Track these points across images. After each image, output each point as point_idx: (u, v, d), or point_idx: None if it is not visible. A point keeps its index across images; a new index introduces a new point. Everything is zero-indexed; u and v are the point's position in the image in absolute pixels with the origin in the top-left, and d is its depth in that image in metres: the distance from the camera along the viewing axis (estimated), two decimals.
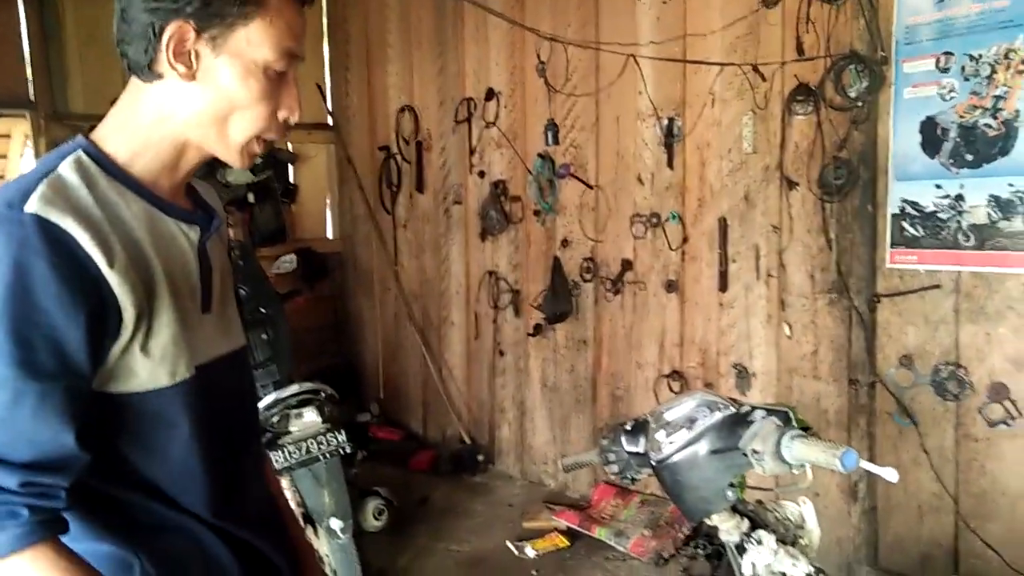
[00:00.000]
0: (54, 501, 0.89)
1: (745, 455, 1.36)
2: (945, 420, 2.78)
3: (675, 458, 1.47)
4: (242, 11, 0.95)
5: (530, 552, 3.45)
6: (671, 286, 3.53)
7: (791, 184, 3.06)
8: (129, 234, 0.96)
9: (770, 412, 1.38)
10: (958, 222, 2.64)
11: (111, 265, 0.91)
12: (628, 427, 1.61)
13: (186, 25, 0.95)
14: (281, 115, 1.03)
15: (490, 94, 4.19)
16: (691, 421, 1.49)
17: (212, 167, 4.63)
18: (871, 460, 2.91)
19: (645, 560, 3.32)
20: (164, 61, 0.96)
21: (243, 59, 0.97)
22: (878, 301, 2.89)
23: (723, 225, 3.29)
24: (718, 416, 1.45)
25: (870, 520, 3.02)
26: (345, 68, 5.21)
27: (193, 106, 0.98)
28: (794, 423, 1.34)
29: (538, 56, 3.86)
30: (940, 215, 2.67)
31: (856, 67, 2.79)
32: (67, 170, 0.95)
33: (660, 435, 1.51)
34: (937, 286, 2.73)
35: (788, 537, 1.51)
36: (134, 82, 1.01)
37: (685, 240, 3.46)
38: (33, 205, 0.89)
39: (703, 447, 1.44)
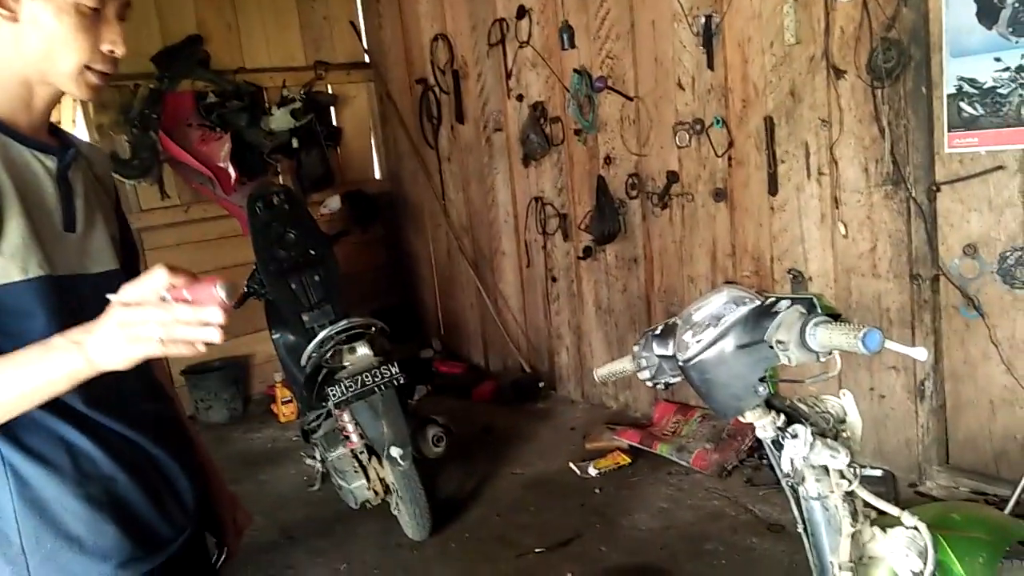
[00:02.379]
0: None
1: (771, 347, 1.31)
2: (1015, 309, 2.63)
3: (702, 356, 1.42)
4: None
5: (592, 471, 3.47)
6: (719, 194, 3.41)
7: (838, 73, 2.87)
8: None
9: (795, 301, 1.32)
10: (1021, 96, 2.43)
11: None
12: (657, 331, 1.57)
13: None
14: (104, 47, 1.13)
15: (521, 12, 4.06)
16: (717, 319, 1.44)
17: (255, 117, 4.68)
18: (937, 357, 2.80)
19: (708, 473, 3.31)
20: None
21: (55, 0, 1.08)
22: (937, 190, 2.72)
23: (769, 124, 3.14)
24: (744, 310, 1.39)
25: (939, 419, 2.91)
26: (376, 1, 5.13)
27: (22, 45, 1.10)
28: (819, 310, 1.28)
29: None
30: (1000, 90, 2.47)
31: None
32: None
33: (687, 335, 1.46)
34: (1001, 167, 2.55)
35: (829, 431, 1.46)
36: None
37: (731, 145, 3.32)
38: None
39: (729, 343, 1.39)
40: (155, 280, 0.92)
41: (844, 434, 1.48)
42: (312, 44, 5.11)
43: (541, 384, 4.50)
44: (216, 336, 0.92)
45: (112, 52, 1.13)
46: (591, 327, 4.21)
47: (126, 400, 1.18)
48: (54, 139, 1.21)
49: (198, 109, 4.58)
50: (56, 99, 1.18)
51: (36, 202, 1.11)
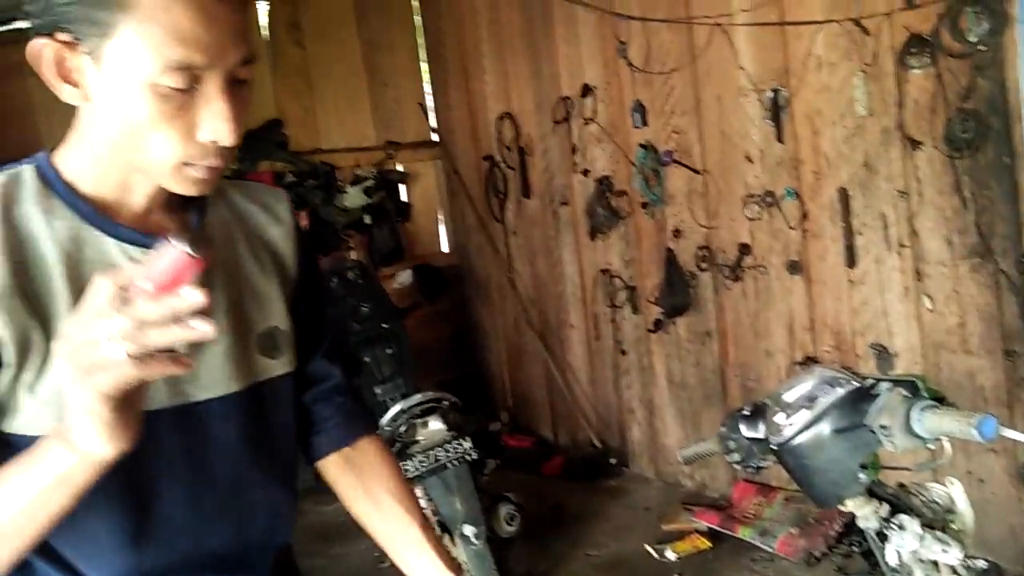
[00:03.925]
0: None
1: (873, 432, 1.26)
2: None
3: (796, 440, 1.37)
4: (108, 16, 0.77)
5: (671, 555, 3.35)
6: (794, 267, 3.35)
7: (915, 144, 2.83)
8: (29, 254, 0.84)
9: (896, 383, 1.27)
10: None
11: None
12: (746, 412, 1.52)
13: (60, 36, 0.80)
14: (203, 137, 0.82)
15: (586, 90, 4.14)
16: (811, 400, 1.39)
17: (330, 195, 4.86)
18: None
19: (795, 560, 3.15)
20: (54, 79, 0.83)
21: (122, 76, 0.79)
22: None
23: (844, 196, 3.09)
24: (840, 392, 1.35)
25: None
26: (444, 84, 5.32)
27: (101, 128, 0.85)
28: (924, 393, 1.23)
29: (617, 38, 3.81)
30: None
31: (974, 9, 2.55)
32: None
33: (779, 417, 1.42)
34: None
35: (936, 522, 1.38)
36: None
37: (804, 216, 3.28)
38: None
39: (826, 427, 1.34)
40: (98, 292, 0.65)
41: (953, 525, 1.39)
42: (383, 125, 5.31)
43: (612, 460, 4.40)
44: (204, 328, 0.64)
45: (216, 143, 0.83)
46: (664, 402, 4.13)
47: None
48: (177, 217, 0.95)
49: None
50: (161, 185, 0.91)
51: None
